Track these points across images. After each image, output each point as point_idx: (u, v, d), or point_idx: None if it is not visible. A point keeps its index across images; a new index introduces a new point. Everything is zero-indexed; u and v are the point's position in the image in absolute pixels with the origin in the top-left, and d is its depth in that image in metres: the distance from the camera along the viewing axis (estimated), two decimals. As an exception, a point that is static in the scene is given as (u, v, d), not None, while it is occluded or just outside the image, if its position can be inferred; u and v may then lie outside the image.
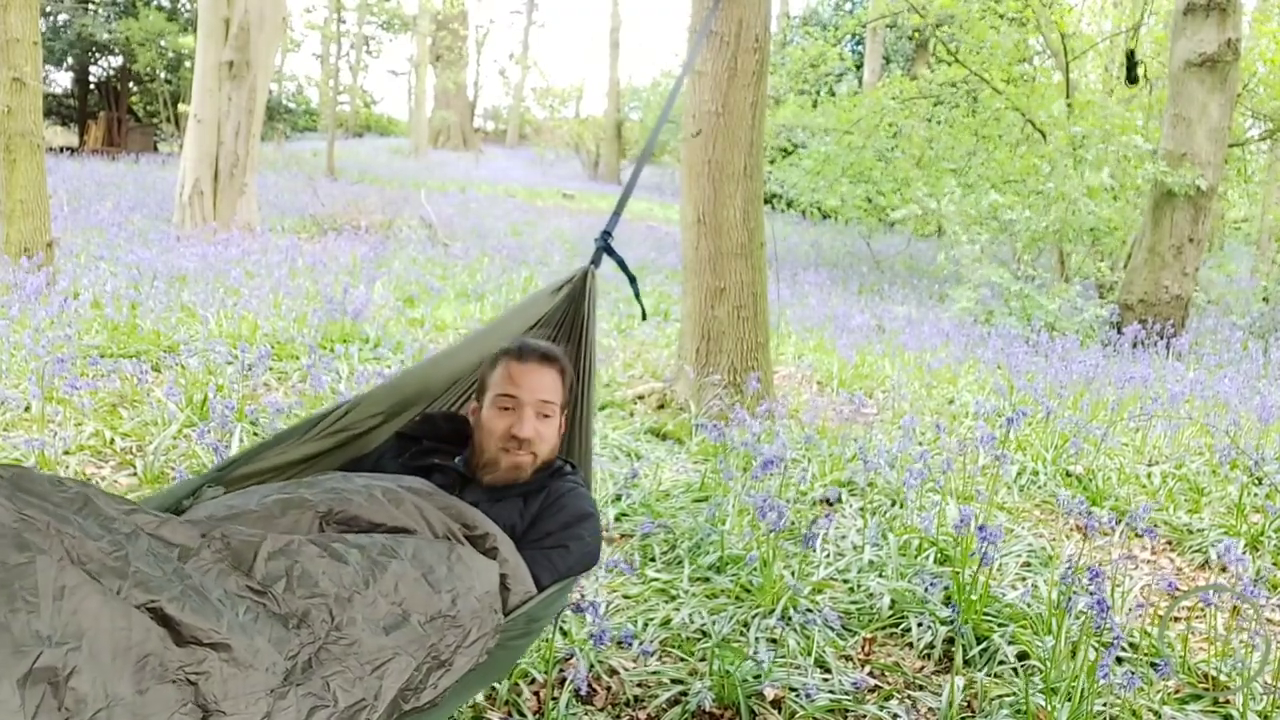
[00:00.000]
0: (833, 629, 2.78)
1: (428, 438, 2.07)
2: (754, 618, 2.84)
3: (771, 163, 15.93)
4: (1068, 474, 4.56)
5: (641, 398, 5.47)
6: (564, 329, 2.34)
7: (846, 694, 2.46)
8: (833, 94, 18.16)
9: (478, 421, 2.02)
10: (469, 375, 2.25)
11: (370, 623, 1.36)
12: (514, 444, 1.94)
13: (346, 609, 1.35)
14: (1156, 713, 2.45)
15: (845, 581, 3.19)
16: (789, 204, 18.32)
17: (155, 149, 23.54)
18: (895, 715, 2.40)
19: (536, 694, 2.43)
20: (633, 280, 2.54)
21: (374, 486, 1.66)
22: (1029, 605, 2.98)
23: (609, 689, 2.50)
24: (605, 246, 2.43)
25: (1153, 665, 2.55)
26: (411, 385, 2.18)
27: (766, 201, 13.04)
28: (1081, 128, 10.00)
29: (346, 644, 1.31)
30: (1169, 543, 3.91)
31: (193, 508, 1.67)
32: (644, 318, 2.79)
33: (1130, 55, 8.51)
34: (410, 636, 1.39)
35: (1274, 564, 3.59)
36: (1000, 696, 2.51)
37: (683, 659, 2.64)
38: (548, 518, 1.91)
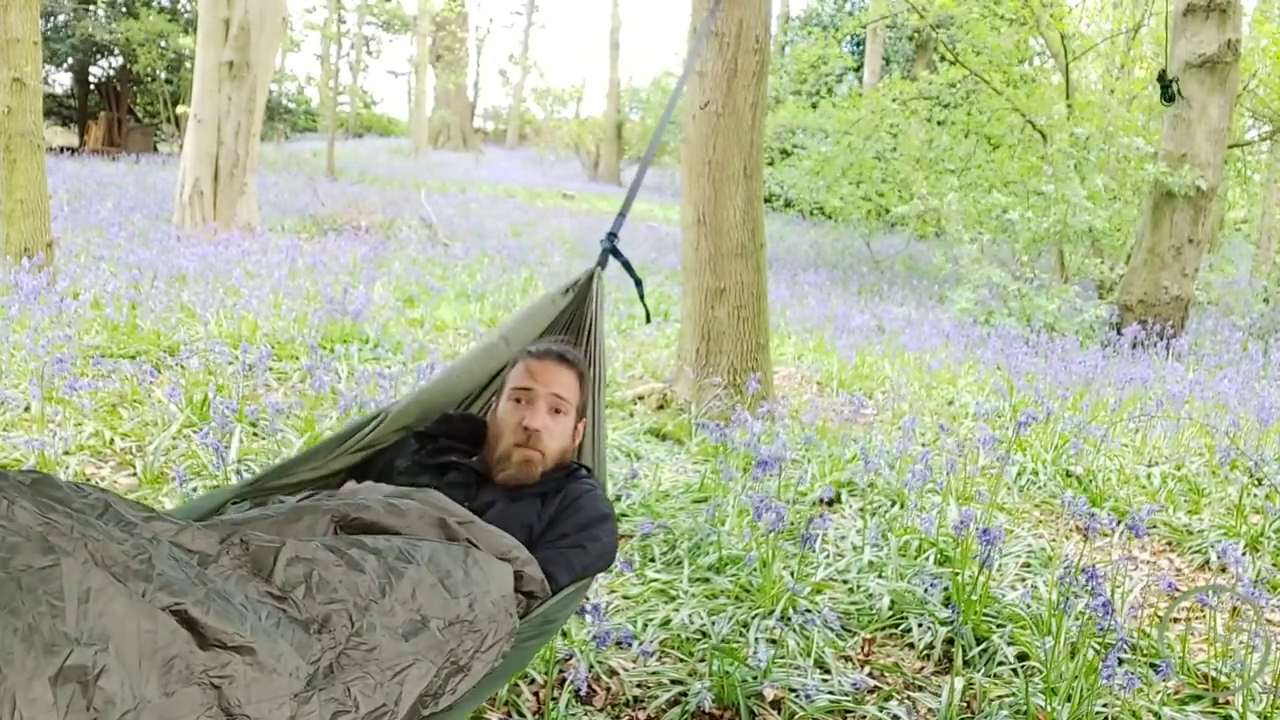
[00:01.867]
0: (832, 630, 2.78)
1: (444, 436, 2.08)
2: (753, 618, 2.84)
3: (771, 163, 15.94)
4: (1068, 475, 4.56)
5: (641, 398, 5.47)
6: (571, 331, 2.35)
7: (846, 695, 2.46)
8: (831, 93, 18.17)
9: (493, 418, 2.05)
10: (488, 385, 2.29)
11: (389, 630, 1.36)
12: (524, 435, 1.96)
13: (365, 616, 1.35)
14: (1156, 713, 2.45)
15: (845, 582, 3.19)
16: (788, 204, 18.33)
17: (155, 149, 23.54)
18: (895, 716, 2.40)
19: (536, 694, 2.43)
20: (639, 283, 2.54)
21: (393, 499, 1.66)
22: (1029, 606, 2.99)
23: (609, 689, 2.50)
24: (611, 248, 2.43)
25: (1152, 666, 2.55)
26: (435, 398, 2.20)
27: (766, 201, 13.02)
28: (1084, 129, 10.00)
29: (367, 649, 1.31)
30: (1169, 543, 3.91)
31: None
32: (649, 319, 2.79)
33: (1163, 75, 8.49)
34: (430, 642, 1.39)
35: (1274, 565, 3.59)
36: (1000, 697, 2.51)
37: (682, 659, 2.64)
38: (565, 519, 1.92)
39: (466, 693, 1.46)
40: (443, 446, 2.05)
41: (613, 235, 2.44)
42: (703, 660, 2.61)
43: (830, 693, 2.47)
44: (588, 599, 2.53)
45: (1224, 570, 3.52)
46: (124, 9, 22.35)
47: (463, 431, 2.10)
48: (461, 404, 2.28)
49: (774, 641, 2.71)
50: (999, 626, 2.84)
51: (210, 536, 1.34)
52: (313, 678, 1.23)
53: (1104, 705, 2.43)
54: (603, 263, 2.40)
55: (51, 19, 21.93)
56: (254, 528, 1.46)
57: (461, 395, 2.27)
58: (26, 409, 4.18)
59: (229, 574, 1.30)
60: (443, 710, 1.41)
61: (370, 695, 1.28)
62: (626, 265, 2.47)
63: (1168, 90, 8.45)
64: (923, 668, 2.72)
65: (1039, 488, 4.41)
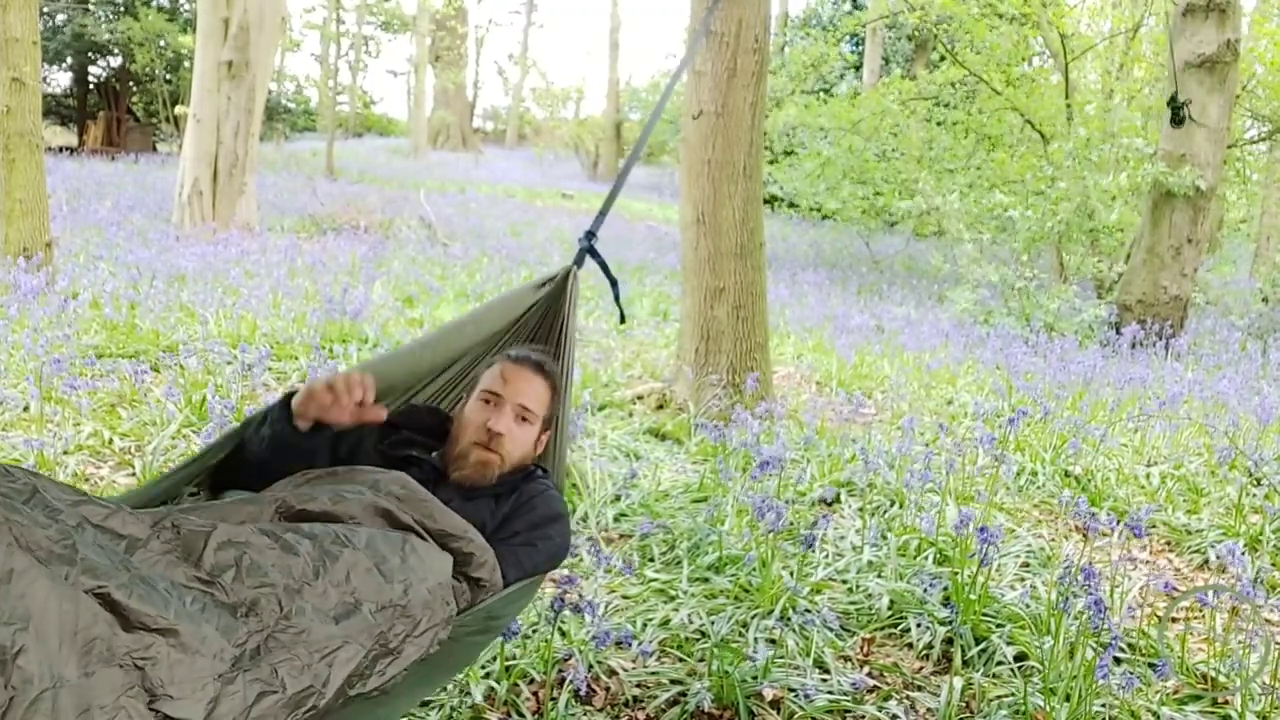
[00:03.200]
0: (831, 629, 2.78)
1: (408, 427, 2.08)
2: (753, 618, 2.84)
3: (772, 163, 15.94)
4: (1066, 474, 4.56)
5: (640, 398, 5.47)
6: (543, 329, 2.33)
7: (845, 694, 2.46)
8: (830, 91, 18.17)
9: (460, 415, 2.04)
10: (449, 369, 2.27)
11: (320, 612, 1.37)
12: (485, 436, 1.95)
13: (296, 599, 1.36)
14: (1155, 713, 2.45)
15: (844, 582, 3.19)
16: (792, 205, 18.33)
17: (154, 149, 23.52)
18: (894, 716, 2.40)
19: (535, 694, 2.43)
20: (614, 283, 2.51)
21: (342, 489, 1.66)
22: (1028, 606, 2.99)
23: (608, 689, 2.50)
24: (589, 247, 2.40)
25: (1151, 666, 2.55)
26: (395, 373, 2.16)
27: (767, 203, 13.03)
28: (1086, 129, 10.00)
29: (295, 632, 1.32)
30: (1168, 543, 3.91)
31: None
32: (622, 321, 2.76)
33: (1174, 98, 8.50)
34: (360, 626, 1.40)
35: (1272, 564, 3.59)
36: (999, 697, 2.51)
37: (682, 659, 2.64)
38: (518, 517, 1.92)
39: (397, 677, 1.46)
40: (405, 438, 2.04)
41: (591, 234, 2.41)
42: (702, 660, 2.61)
43: (829, 692, 2.47)
44: (584, 597, 2.53)
45: (1223, 570, 3.52)
46: (123, 8, 22.33)
47: (427, 424, 2.10)
48: (424, 382, 2.25)
49: (773, 641, 2.71)
50: (998, 626, 2.84)
51: (142, 521, 1.35)
52: (238, 659, 1.24)
53: (1103, 705, 2.43)
54: (579, 261, 2.37)
55: (50, 19, 21.92)
56: (191, 513, 1.46)
57: (424, 373, 2.23)
58: (25, 408, 4.18)
59: (157, 559, 1.31)
60: (372, 691, 1.41)
61: (298, 676, 1.29)
62: (603, 265, 2.44)
63: (1178, 113, 8.46)
64: (922, 667, 2.72)
65: (1038, 488, 4.41)
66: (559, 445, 2.23)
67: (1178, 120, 8.47)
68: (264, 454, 1.82)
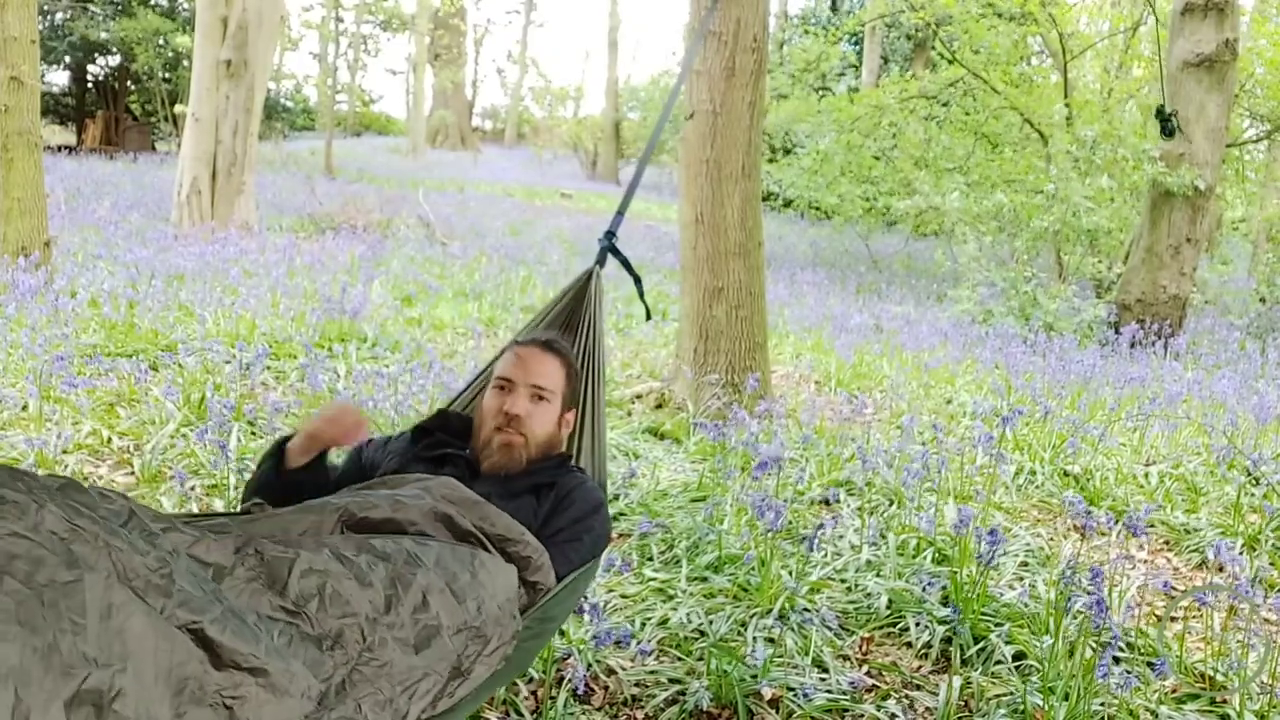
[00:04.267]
0: (830, 629, 2.78)
1: (441, 431, 2.10)
2: (752, 617, 2.84)
3: (770, 161, 15.93)
4: (1065, 474, 4.57)
5: (639, 397, 5.47)
6: (570, 330, 2.36)
7: (844, 693, 2.47)
8: (828, 90, 18.17)
9: (478, 407, 2.07)
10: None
11: (400, 642, 1.37)
12: (504, 420, 1.97)
13: (377, 629, 1.35)
14: (1154, 712, 2.45)
15: (843, 581, 3.19)
16: (787, 203, 18.32)
17: (153, 148, 23.50)
18: (893, 715, 2.40)
19: (534, 693, 2.43)
20: (638, 280, 2.56)
21: (400, 494, 1.66)
22: (1026, 605, 2.99)
23: (607, 689, 2.50)
24: (610, 247, 2.45)
25: (1150, 665, 2.55)
26: None
27: (764, 200, 13.02)
28: (1092, 129, 9.98)
29: (379, 665, 1.32)
30: (1166, 542, 3.91)
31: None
32: (648, 317, 2.80)
33: (1161, 110, 8.50)
34: (439, 653, 1.40)
35: (1271, 564, 3.59)
36: (997, 696, 2.51)
37: (680, 659, 2.64)
38: (560, 514, 1.93)
39: (468, 698, 1.46)
40: (439, 440, 2.06)
41: (611, 234, 2.47)
42: (701, 659, 2.61)
43: (828, 691, 2.47)
44: (585, 597, 2.53)
45: (1221, 569, 3.52)
46: (121, 8, 22.30)
47: (458, 428, 2.12)
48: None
49: (772, 640, 2.71)
50: (997, 625, 2.84)
51: (225, 547, 1.34)
52: (324, 696, 1.24)
53: (1101, 704, 2.43)
54: (601, 261, 2.43)
55: (49, 18, 21.90)
56: (264, 530, 1.46)
57: None
58: (24, 407, 4.17)
59: (242, 587, 1.30)
60: (440, 714, 1.41)
61: (379, 712, 1.29)
62: (625, 263, 2.48)
63: (1167, 124, 8.47)
64: (920, 666, 2.72)
65: (1037, 487, 4.41)
66: (597, 442, 2.27)
67: (1167, 131, 8.48)
68: (258, 493, 1.89)
